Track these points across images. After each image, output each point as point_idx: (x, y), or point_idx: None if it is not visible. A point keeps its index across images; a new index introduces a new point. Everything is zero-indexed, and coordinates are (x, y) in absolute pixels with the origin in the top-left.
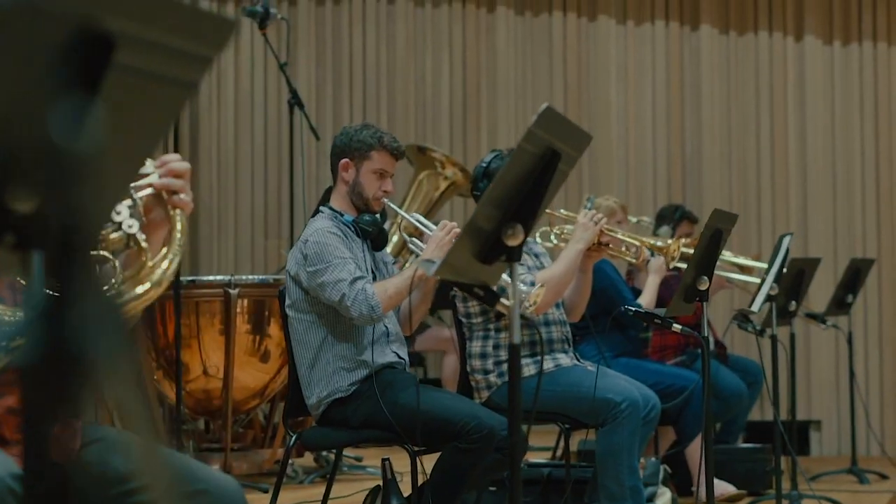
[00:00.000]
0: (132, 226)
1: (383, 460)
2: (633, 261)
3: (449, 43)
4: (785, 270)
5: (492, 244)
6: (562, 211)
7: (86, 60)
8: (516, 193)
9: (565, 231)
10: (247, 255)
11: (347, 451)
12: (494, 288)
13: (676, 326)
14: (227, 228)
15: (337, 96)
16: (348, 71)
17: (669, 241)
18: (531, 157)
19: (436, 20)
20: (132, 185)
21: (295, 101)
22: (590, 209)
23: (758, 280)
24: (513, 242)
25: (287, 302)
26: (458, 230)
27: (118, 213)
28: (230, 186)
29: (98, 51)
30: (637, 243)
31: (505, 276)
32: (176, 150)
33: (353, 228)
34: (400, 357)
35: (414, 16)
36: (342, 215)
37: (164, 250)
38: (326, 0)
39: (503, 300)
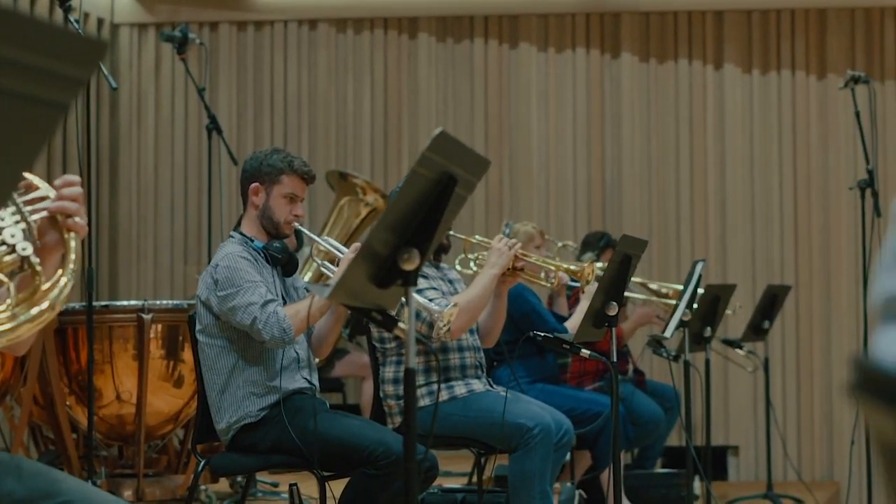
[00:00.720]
0: (26, 248)
1: (291, 486)
2: (549, 285)
3: (370, 69)
4: (699, 296)
5: (388, 268)
6: (476, 237)
7: None
8: (412, 218)
9: (481, 257)
10: (166, 279)
11: (264, 477)
12: (394, 312)
13: (584, 352)
14: (146, 253)
15: (258, 122)
16: (269, 96)
17: (584, 265)
18: (426, 181)
19: (357, 46)
20: (27, 208)
21: (213, 126)
22: (507, 235)
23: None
24: (409, 267)
25: (198, 327)
26: None
27: (12, 236)
28: (149, 211)
29: None
30: (552, 268)
31: (420, 299)
32: (97, 176)
33: (262, 255)
34: (310, 383)
35: (335, 42)
36: (252, 241)
37: (59, 273)
38: (247, 25)
39: (401, 324)
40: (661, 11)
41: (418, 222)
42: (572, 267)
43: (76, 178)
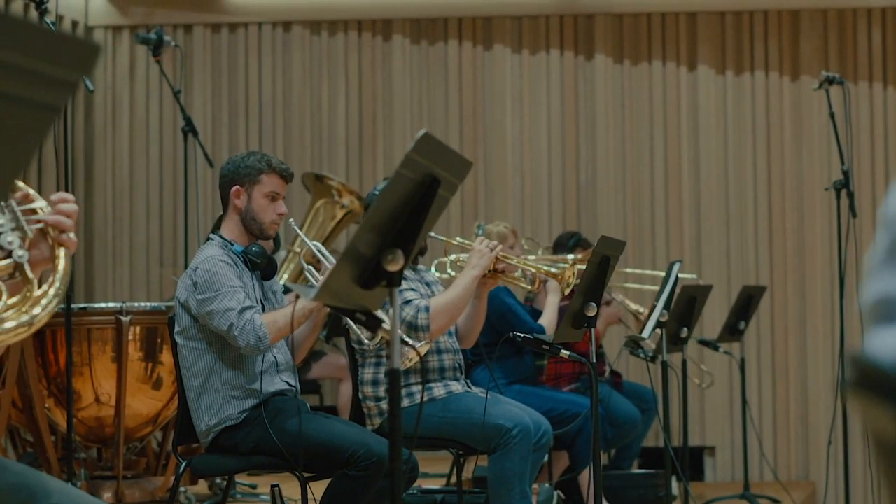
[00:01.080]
0: (22, 256)
1: (272, 487)
2: (529, 287)
3: (345, 71)
4: (676, 297)
5: (372, 269)
6: (458, 239)
7: None
8: (396, 219)
9: (461, 259)
10: (142, 282)
11: (242, 479)
12: (378, 313)
13: (564, 353)
14: (122, 256)
15: (233, 124)
16: (244, 99)
17: (564, 267)
18: (410, 182)
19: (332, 48)
20: (25, 217)
21: (189, 129)
22: (481, 236)
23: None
24: (393, 268)
25: (176, 329)
26: None
27: (10, 242)
28: (125, 214)
29: None
30: (533, 269)
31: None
32: (72, 179)
33: (242, 259)
34: (290, 385)
35: (310, 44)
36: (232, 244)
37: (46, 287)
38: (222, 28)
39: (385, 326)
40: (635, 13)
41: (402, 223)
42: (553, 269)
43: (71, 196)
